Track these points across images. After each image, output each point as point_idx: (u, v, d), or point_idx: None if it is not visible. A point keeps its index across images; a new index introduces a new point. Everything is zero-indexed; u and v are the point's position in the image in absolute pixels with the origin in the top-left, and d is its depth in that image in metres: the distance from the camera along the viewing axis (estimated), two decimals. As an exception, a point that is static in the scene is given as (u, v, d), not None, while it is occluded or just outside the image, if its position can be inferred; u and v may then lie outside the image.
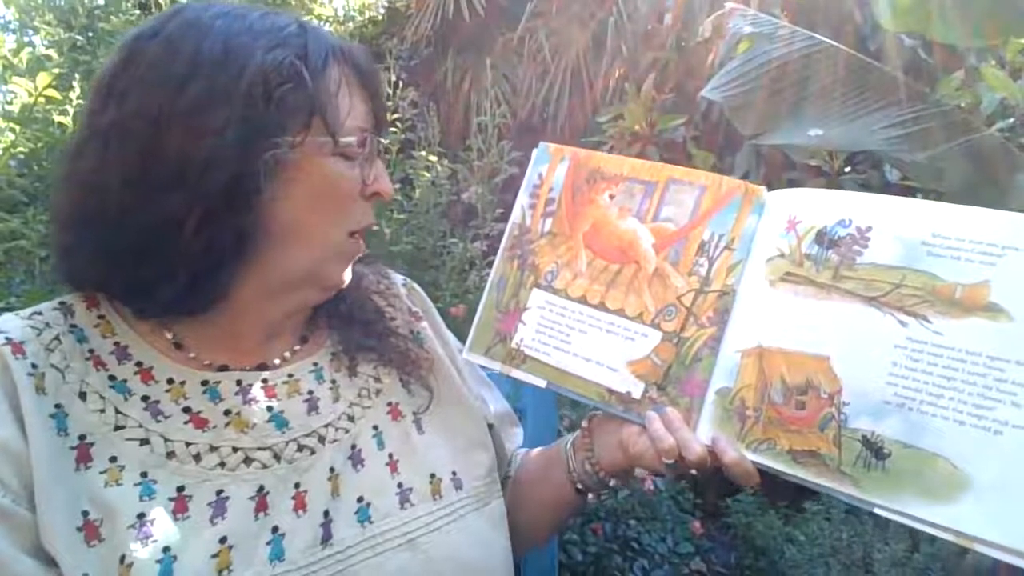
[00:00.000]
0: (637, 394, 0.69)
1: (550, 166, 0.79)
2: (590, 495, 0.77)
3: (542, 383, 0.73)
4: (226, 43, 0.55)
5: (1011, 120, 2.38)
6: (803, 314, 0.64)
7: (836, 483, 0.60)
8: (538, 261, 0.77)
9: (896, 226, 0.62)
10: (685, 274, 0.70)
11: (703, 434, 0.66)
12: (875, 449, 0.58)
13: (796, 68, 1.58)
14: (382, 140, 0.67)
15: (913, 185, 2.31)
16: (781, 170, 2.99)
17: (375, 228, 2.30)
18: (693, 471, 0.64)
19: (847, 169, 2.91)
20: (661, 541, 1.77)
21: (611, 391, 0.70)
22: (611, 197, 0.75)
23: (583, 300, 0.73)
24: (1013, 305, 0.56)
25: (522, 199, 0.79)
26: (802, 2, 2.89)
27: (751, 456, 0.63)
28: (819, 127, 1.52)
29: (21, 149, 2.18)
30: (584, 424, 0.77)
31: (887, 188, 2.76)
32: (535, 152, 0.80)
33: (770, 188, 0.70)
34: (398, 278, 0.82)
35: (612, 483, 0.75)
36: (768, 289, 0.66)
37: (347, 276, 0.67)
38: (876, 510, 0.58)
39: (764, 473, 0.64)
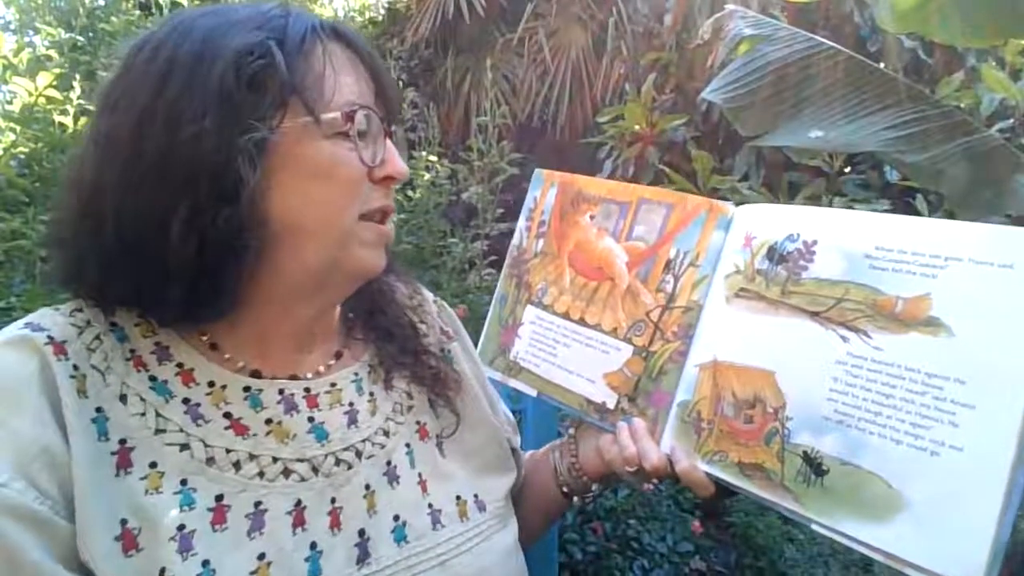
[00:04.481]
0: (611, 404, 0.73)
1: (542, 191, 0.84)
2: (575, 498, 0.80)
3: (533, 392, 0.79)
4: (205, 37, 0.54)
5: (1011, 121, 2.39)
6: (753, 329, 0.64)
7: (778, 497, 0.60)
8: (531, 279, 0.82)
9: (841, 239, 0.62)
10: (653, 291, 0.72)
11: (665, 444, 0.68)
12: (815, 465, 0.58)
13: (796, 70, 1.58)
14: (388, 120, 0.62)
15: (913, 186, 2.32)
16: (781, 171, 2.99)
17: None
18: (654, 479, 0.68)
19: (847, 170, 2.91)
20: (661, 540, 1.78)
21: (589, 401, 0.74)
22: (591, 218, 0.79)
23: (567, 315, 0.78)
24: (954, 319, 0.54)
25: (520, 222, 0.85)
26: (802, 4, 2.89)
27: (705, 467, 0.65)
28: (819, 128, 1.52)
29: (22, 149, 2.18)
30: (571, 431, 0.80)
31: (887, 189, 2.77)
32: (532, 178, 0.86)
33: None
34: (428, 294, 0.80)
35: (595, 487, 0.79)
36: (724, 305, 0.67)
37: (378, 262, 0.62)
38: (814, 527, 0.58)
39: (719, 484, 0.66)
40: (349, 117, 0.56)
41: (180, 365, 0.57)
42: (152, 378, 0.56)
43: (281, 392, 0.60)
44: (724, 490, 0.67)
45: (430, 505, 0.64)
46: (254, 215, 0.53)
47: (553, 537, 1.09)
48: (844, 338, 0.59)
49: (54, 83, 2.25)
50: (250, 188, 0.52)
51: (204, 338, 0.60)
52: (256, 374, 0.60)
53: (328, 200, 0.57)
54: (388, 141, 0.61)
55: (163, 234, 0.51)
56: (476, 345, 0.84)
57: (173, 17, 0.58)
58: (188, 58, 0.53)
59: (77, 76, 2.51)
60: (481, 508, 0.68)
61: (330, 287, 0.61)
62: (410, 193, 2.74)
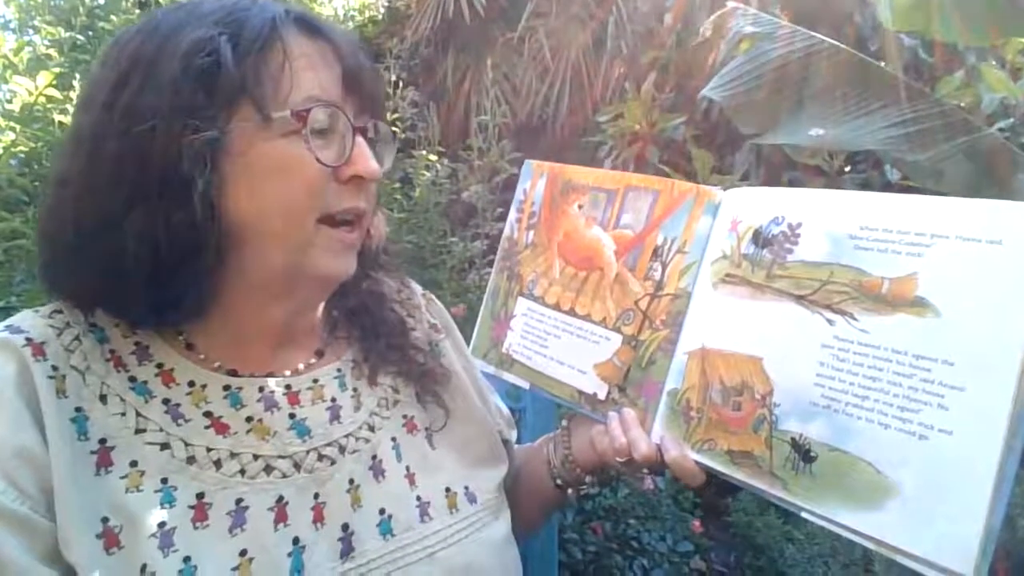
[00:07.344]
0: (602, 395, 0.72)
1: (532, 182, 0.83)
2: (570, 491, 0.79)
3: (526, 385, 0.78)
4: (166, 33, 0.53)
5: (1011, 120, 2.39)
6: (740, 315, 0.63)
7: (767, 485, 0.59)
8: (522, 271, 0.81)
9: (825, 221, 0.60)
10: (641, 279, 0.71)
11: (656, 434, 0.67)
12: (803, 451, 0.57)
13: (796, 68, 1.58)
14: (369, 114, 0.60)
15: (914, 185, 2.32)
16: (781, 169, 2.99)
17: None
18: (646, 469, 0.67)
19: (847, 168, 2.91)
20: (661, 540, 1.78)
21: (581, 392, 0.74)
22: (579, 207, 0.78)
23: (557, 306, 0.77)
24: (941, 299, 0.52)
25: (511, 215, 0.84)
26: (802, 2, 2.89)
27: (695, 456, 0.64)
28: (819, 127, 1.52)
29: (21, 148, 2.18)
30: (564, 423, 0.79)
31: (887, 188, 2.76)
32: (522, 169, 0.85)
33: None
34: (417, 288, 0.80)
35: (588, 479, 0.78)
36: (711, 291, 0.66)
37: (342, 268, 0.60)
38: (804, 514, 0.57)
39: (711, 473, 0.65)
40: (301, 116, 0.53)
41: (160, 365, 0.57)
42: (132, 378, 0.56)
43: (261, 390, 0.60)
44: (723, 488, 0.67)
45: (418, 498, 0.64)
46: (208, 216, 0.52)
47: (553, 536, 1.09)
48: (830, 321, 0.57)
49: (54, 82, 2.25)
50: (201, 189, 0.51)
51: (181, 338, 0.59)
52: (233, 373, 0.60)
53: (285, 200, 0.54)
54: (359, 138, 0.57)
55: (119, 234, 0.51)
56: (471, 341, 0.84)
57: (148, 13, 0.58)
58: (148, 55, 0.52)
59: (77, 75, 2.51)
60: (472, 500, 0.68)
61: (299, 290, 0.60)
62: (410, 192, 2.74)
